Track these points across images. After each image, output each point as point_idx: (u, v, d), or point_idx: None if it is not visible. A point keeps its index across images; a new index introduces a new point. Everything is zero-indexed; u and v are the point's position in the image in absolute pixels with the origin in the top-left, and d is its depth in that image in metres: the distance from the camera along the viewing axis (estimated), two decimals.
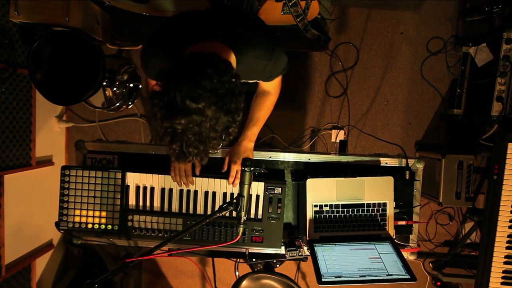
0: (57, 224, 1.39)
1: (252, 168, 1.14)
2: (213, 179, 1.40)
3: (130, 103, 2.60)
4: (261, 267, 2.53)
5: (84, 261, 2.59)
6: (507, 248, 1.79)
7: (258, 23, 1.21)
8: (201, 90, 0.86)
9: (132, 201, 1.40)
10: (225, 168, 1.40)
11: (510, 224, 1.78)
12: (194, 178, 1.39)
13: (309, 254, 1.39)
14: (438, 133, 2.73)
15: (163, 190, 1.40)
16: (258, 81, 1.34)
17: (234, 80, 0.93)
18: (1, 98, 1.93)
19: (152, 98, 0.91)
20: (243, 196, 1.15)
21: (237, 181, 1.36)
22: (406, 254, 1.47)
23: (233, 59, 1.08)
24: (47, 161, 2.41)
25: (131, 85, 2.56)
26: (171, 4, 2.05)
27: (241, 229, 1.20)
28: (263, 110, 1.38)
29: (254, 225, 1.39)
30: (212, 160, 1.41)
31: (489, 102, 2.30)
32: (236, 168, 1.36)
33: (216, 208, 1.29)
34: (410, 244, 1.51)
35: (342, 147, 2.41)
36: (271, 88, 1.35)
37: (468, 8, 2.57)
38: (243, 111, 0.97)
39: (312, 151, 2.68)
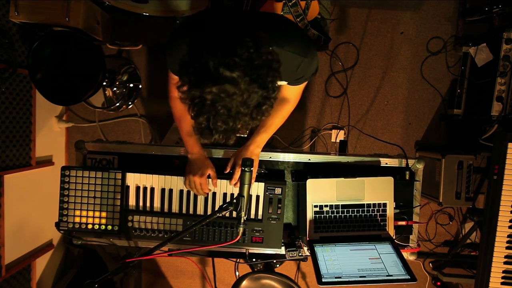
0: (57, 225, 1.39)
1: (252, 168, 1.14)
2: None
3: (130, 103, 2.60)
4: (261, 267, 2.53)
5: (84, 261, 2.59)
6: (507, 248, 1.78)
7: (290, 21, 1.17)
8: (237, 58, 0.80)
9: (132, 201, 1.40)
10: (228, 169, 1.39)
11: (510, 224, 1.78)
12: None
13: (309, 254, 1.39)
14: (438, 133, 2.73)
15: (163, 190, 1.40)
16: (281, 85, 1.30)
17: (271, 53, 0.86)
18: (1, 98, 1.93)
19: (182, 65, 0.84)
20: (243, 196, 1.15)
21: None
22: (406, 254, 1.47)
23: None
24: (47, 161, 2.41)
25: (131, 85, 2.56)
26: (171, 4, 2.04)
27: (241, 229, 1.20)
28: (278, 118, 1.33)
29: (254, 225, 1.39)
30: (212, 161, 1.41)
31: (489, 102, 2.29)
32: (240, 172, 1.35)
33: (216, 208, 1.29)
34: (410, 244, 1.51)
35: (342, 147, 2.41)
36: (292, 95, 1.30)
37: (468, 8, 2.57)
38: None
39: (312, 151, 2.68)
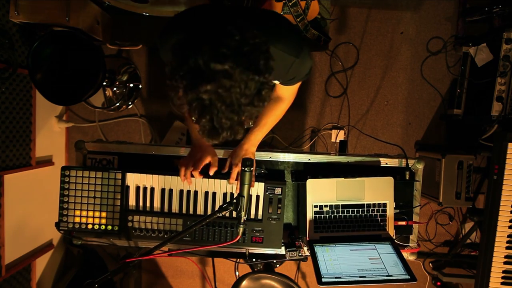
0: (57, 225, 1.39)
1: (252, 168, 1.14)
2: (213, 179, 1.39)
3: (130, 103, 2.60)
4: (261, 267, 2.53)
5: (84, 261, 2.59)
6: (507, 248, 1.79)
7: (286, 20, 1.15)
8: (225, 49, 0.76)
9: (132, 201, 1.40)
10: (226, 169, 1.39)
11: (510, 224, 1.78)
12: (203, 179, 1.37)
13: (309, 254, 1.39)
14: (438, 133, 2.73)
15: (163, 190, 1.40)
16: (275, 84, 1.28)
17: (257, 36, 0.83)
18: (1, 98, 1.93)
19: (170, 72, 0.81)
20: (243, 196, 1.15)
21: (238, 183, 1.36)
22: (406, 254, 1.47)
23: None
24: (47, 161, 2.41)
25: (131, 85, 2.56)
26: (171, 4, 2.04)
27: (241, 229, 1.20)
28: (272, 116, 1.33)
29: (254, 226, 1.39)
30: None
31: (489, 102, 2.29)
32: (237, 170, 1.34)
33: (216, 208, 1.29)
34: (410, 244, 1.51)
35: (342, 147, 2.41)
36: (287, 95, 1.30)
37: (468, 8, 2.57)
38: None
39: (312, 151, 2.68)
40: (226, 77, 0.76)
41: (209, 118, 0.80)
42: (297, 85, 1.26)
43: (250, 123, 0.90)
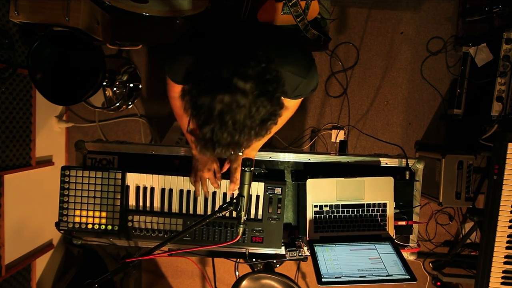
0: (57, 225, 1.39)
1: (252, 168, 1.14)
2: None
3: (130, 103, 2.60)
4: (261, 267, 2.53)
5: (84, 261, 2.59)
6: (507, 248, 1.79)
7: (295, 39, 1.18)
8: (251, 70, 0.79)
9: (132, 201, 1.40)
10: (225, 169, 1.39)
11: (510, 224, 1.78)
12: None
13: (309, 254, 1.39)
14: (438, 133, 2.73)
15: (163, 190, 1.40)
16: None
17: (278, 69, 0.87)
18: (1, 98, 1.93)
19: (189, 73, 0.83)
20: (243, 196, 1.15)
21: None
22: (406, 254, 1.47)
23: None
24: (47, 161, 2.41)
25: (131, 85, 2.56)
26: (171, 3, 2.04)
27: (241, 229, 1.20)
28: None
29: (254, 225, 1.39)
30: None
31: (489, 102, 2.29)
32: (237, 174, 1.35)
33: (216, 208, 1.29)
34: (410, 244, 1.51)
35: (342, 147, 2.41)
36: (290, 105, 1.32)
37: (468, 8, 2.57)
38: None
39: (312, 151, 2.68)
40: (243, 95, 0.78)
41: (211, 128, 0.80)
42: (301, 98, 1.28)
43: (243, 149, 0.91)
